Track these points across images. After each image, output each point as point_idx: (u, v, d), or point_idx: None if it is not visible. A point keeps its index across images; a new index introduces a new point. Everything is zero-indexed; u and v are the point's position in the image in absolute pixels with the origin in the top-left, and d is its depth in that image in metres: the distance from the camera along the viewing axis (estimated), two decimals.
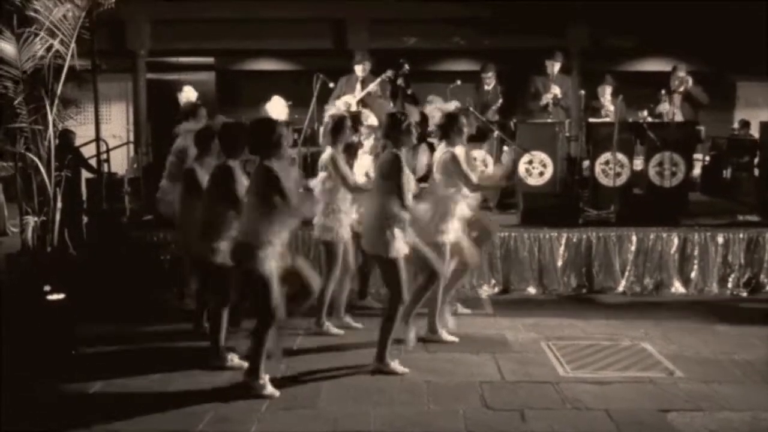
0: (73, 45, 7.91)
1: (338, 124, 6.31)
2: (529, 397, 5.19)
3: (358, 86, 9.40)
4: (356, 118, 7.52)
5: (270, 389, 5.21)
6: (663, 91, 9.25)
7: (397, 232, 5.45)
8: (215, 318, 5.80)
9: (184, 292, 7.43)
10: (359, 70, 9.47)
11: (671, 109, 9.09)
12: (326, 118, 6.42)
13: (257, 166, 5.17)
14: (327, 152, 6.31)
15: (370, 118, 7.74)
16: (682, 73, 9.31)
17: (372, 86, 9.28)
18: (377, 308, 6.95)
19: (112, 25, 10.68)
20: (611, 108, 9.94)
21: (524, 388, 5.36)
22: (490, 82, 10.02)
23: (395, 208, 5.46)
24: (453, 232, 6.11)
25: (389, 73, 9.26)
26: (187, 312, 6.99)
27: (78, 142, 9.61)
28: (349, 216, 6.37)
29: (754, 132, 12.79)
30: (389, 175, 5.50)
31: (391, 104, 9.59)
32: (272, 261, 5.07)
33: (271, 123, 5.34)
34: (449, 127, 6.15)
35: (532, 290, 8.06)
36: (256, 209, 5.09)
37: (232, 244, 5.33)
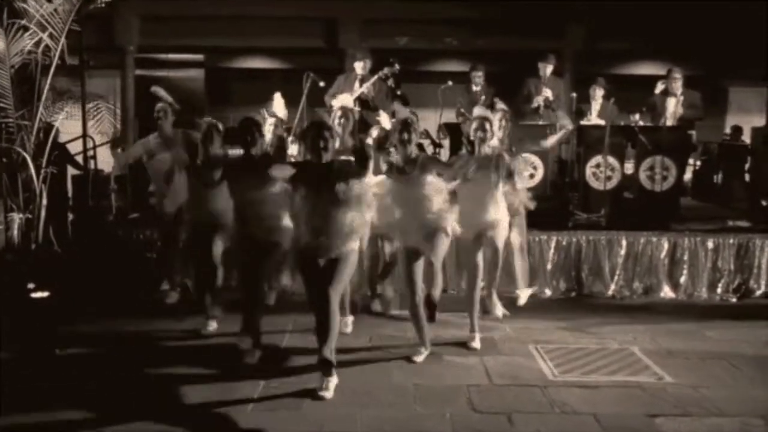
0: (63, 40, 7.84)
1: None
2: (517, 401, 5.15)
3: (357, 84, 9.32)
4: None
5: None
6: (659, 93, 9.25)
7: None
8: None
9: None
10: (360, 67, 9.35)
11: (671, 108, 9.08)
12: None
13: None
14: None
15: (383, 119, 7.67)
16: (677, 75, 9.28)
17: (368, 85, 9.20)
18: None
19: (100, 21, 10.56)
20: (596, 108, 9.90)
21: (512, 392, 5.32)
22: (478, 81, 9.96)
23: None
24: None
25: (386, 70, 9.19)
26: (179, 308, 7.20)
27: (64, 138, 9.51)
28: None
29: (746, 138, 12.82)
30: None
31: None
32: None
33: None
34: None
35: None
36: None
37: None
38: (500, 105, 7.62)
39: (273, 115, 7.48)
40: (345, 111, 6.33)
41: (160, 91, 7.53)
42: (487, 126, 6.24)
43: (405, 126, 5.78)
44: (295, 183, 5.32)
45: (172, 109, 7.51)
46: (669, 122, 9.17)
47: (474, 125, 6.28)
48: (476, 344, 6.26)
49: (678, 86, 9.27)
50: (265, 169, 5.56)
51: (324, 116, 5.47)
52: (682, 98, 9.22)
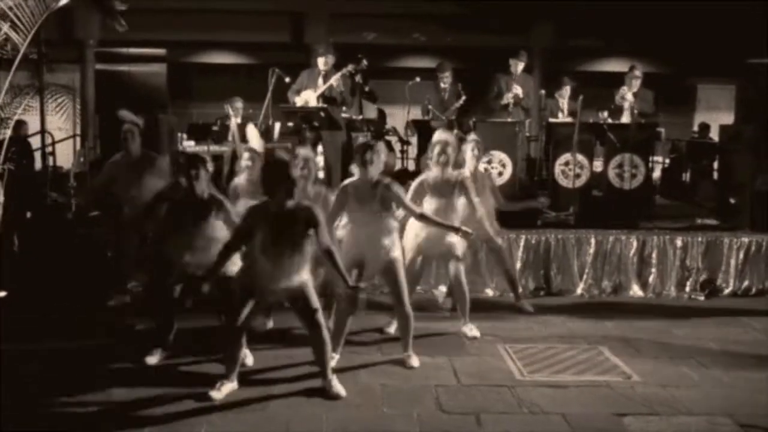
0: (32, 33, 7.65)
1: None
2: (485, 401, 5.10)
3: (320, 80, 9.18)
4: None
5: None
6: (625, 87, 9.29)
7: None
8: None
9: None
10: (321, 63, 9.23)
11: (629, 105, 9.10)
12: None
13: None
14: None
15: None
16: (638, 72, 9.34)
17: (333, 81, 9.07)
18: None
19: (59, 13, 10.34)
20: (566, 108, 9.89)
21: (480, 392, 5.26)
22: (447, 81, 9.88)
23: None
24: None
25: (350, 67, 9.06)
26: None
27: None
28: None
29: (714, 135, 12.89)
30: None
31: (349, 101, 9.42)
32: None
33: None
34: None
35: (489, 292, 7.96)
36: None
37: None
38: (472, 136, 7.58)
39: (249, 149, 7.10)
40: (307, 160, 6.11)
41: (127, 115, 7.39)
42: (449, 150, 6.21)
43: (366, 148, 5.57)
44: (249, 226, 5.03)
45: (139, 129, 7.37)
46: (626, 118, 9.21)
47: (436, 149, 6.23)
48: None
49: (637, 84, 9.32)
50: (209, 214, 5.47)
51: (285, 158, 5.21)
52: (633, 98, 9.27)
